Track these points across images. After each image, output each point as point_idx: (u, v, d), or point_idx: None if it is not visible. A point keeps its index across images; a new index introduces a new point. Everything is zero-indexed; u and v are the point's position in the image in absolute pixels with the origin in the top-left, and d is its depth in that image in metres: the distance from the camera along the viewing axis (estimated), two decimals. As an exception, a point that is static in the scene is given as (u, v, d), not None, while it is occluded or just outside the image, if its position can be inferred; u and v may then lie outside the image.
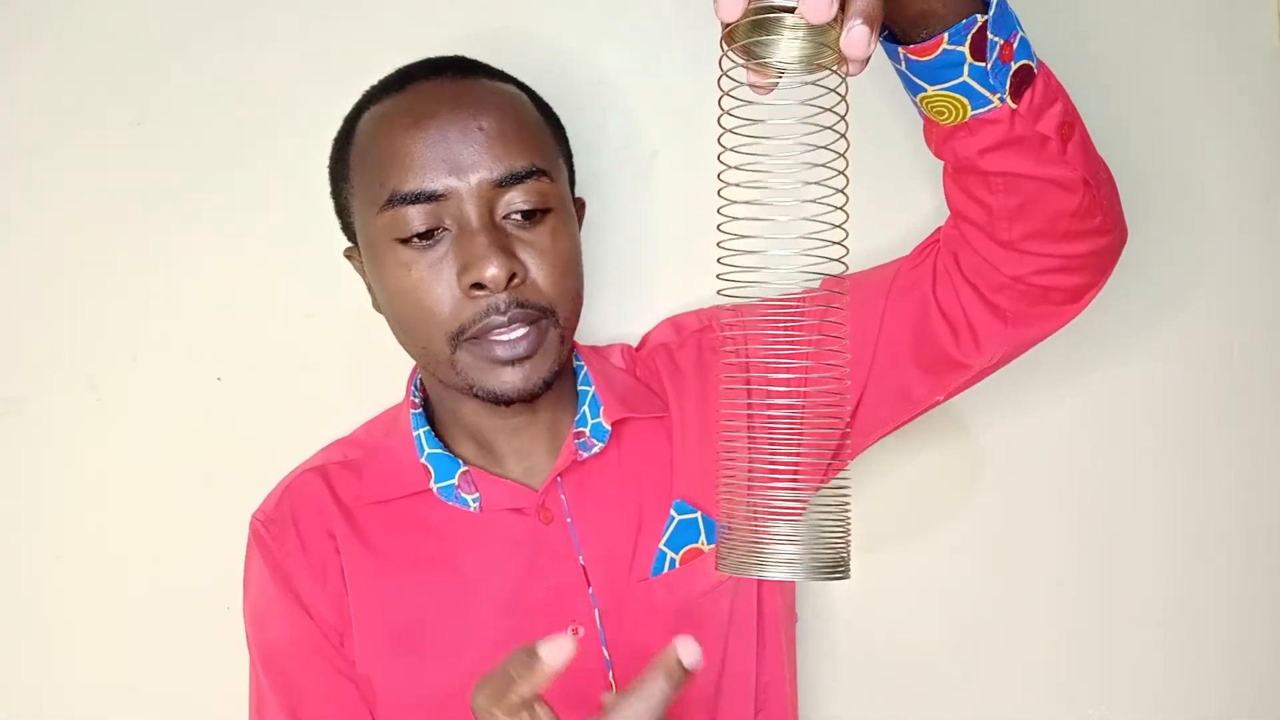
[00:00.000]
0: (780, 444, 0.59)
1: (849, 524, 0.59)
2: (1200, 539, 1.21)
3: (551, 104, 0.90)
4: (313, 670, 0.88)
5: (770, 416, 0.61)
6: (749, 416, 0.64)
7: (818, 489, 0.58)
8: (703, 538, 0.91)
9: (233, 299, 1.08)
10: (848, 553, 0.58)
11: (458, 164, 0.79)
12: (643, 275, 1.12)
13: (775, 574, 0.57)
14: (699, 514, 0.91)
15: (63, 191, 1.06)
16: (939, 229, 0.88)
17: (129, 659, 1.11)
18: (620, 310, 1.11)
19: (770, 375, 0.66)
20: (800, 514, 0.58)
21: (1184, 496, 1.20)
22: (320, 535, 0.89)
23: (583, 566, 0.88)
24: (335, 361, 1.08)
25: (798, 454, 0.58)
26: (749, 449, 0.60)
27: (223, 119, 1.06)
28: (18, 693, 1.11)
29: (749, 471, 0.59)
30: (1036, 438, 1.18)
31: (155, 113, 1.06)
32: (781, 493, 0.58)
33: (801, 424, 0.59)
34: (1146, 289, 1.16)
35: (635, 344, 1.04)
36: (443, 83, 0.83)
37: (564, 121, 0.91)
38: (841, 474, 0.81)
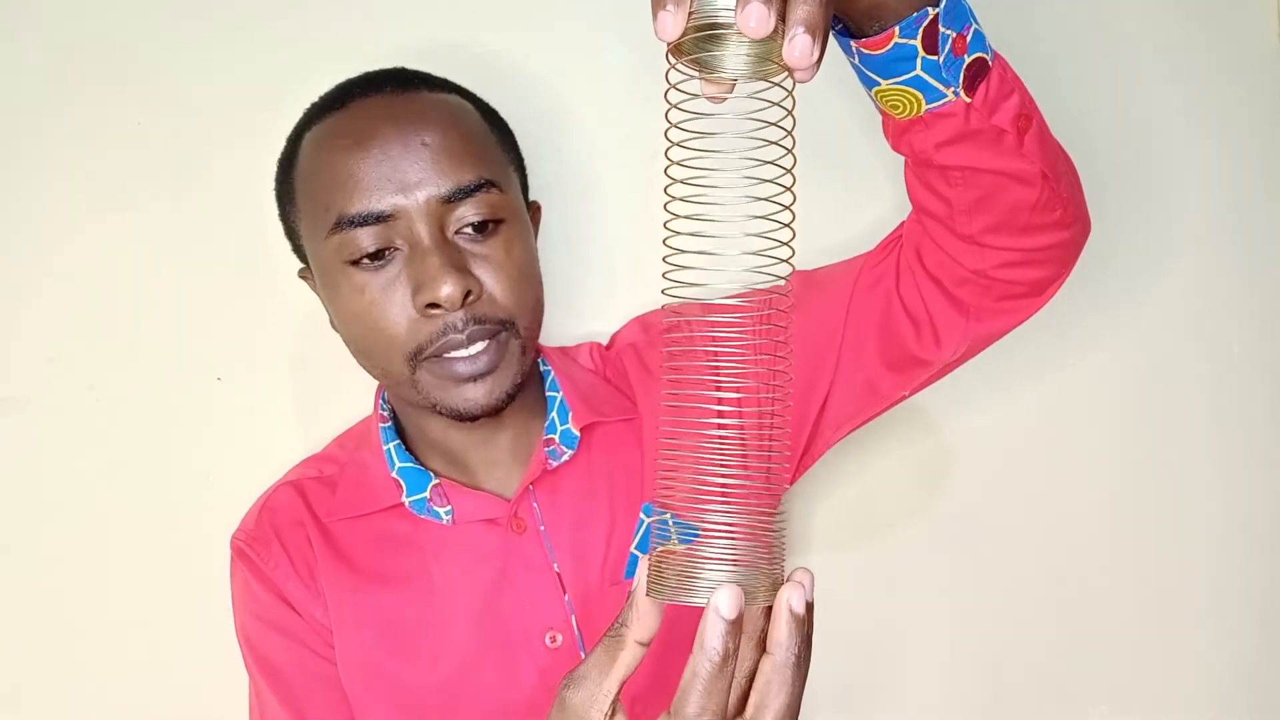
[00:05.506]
0: (716, 465, 0.57)
1: (785, 541, 0.57)
2: (1199, 537, 1.20)
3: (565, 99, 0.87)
4: (318, 672, 0.89)
5: (708, 434, 0.58)
6: (687, 433, 0.62)
7: (756, 511, 0.57)
8: (673, 539, 0.91)
9: (232, 299, 1.09)
10: (783, 572, 0.56)
11: (404, 182, 0.78)
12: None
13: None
14: (669, 516, 0.91)
15: (62, 191, 1.07)
16: (902, 224, 0.88)
17: (129, 658, 1.11)
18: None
19: (710, 392, 0.64)
20: (737, 536, 0.55)
21: (1183, 493, 1.19)
22: (301, 543, 0.90)
23: (557, 574, 0.88)
24: (335, 361, 1.08)
25: (735, 477, 0.57)
26: (688, 469, 0.58)
27: (222, 119, 1.07)
28: (17, 692, 1.11)
29: (686, 492, 0.57)
30: (1035, 434, 1.18)
31: (155, 113, 1.07)
32: (718, 517, 0.56)
33: (741, 445, 0.57)
34: (1144, 287, 1.16)
35: (605, 342, 1.04)
36: (383, 98, 0.82)
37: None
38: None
